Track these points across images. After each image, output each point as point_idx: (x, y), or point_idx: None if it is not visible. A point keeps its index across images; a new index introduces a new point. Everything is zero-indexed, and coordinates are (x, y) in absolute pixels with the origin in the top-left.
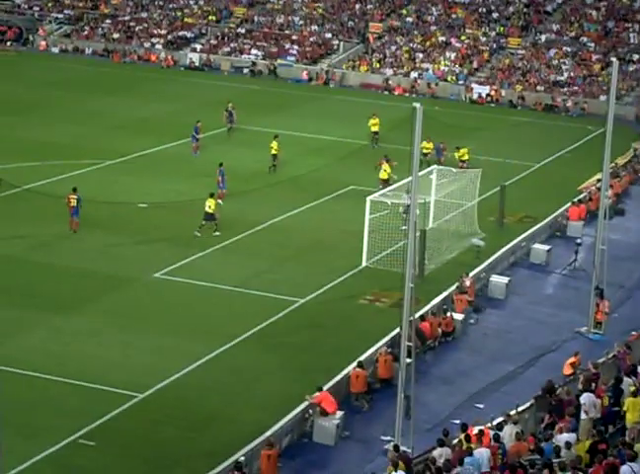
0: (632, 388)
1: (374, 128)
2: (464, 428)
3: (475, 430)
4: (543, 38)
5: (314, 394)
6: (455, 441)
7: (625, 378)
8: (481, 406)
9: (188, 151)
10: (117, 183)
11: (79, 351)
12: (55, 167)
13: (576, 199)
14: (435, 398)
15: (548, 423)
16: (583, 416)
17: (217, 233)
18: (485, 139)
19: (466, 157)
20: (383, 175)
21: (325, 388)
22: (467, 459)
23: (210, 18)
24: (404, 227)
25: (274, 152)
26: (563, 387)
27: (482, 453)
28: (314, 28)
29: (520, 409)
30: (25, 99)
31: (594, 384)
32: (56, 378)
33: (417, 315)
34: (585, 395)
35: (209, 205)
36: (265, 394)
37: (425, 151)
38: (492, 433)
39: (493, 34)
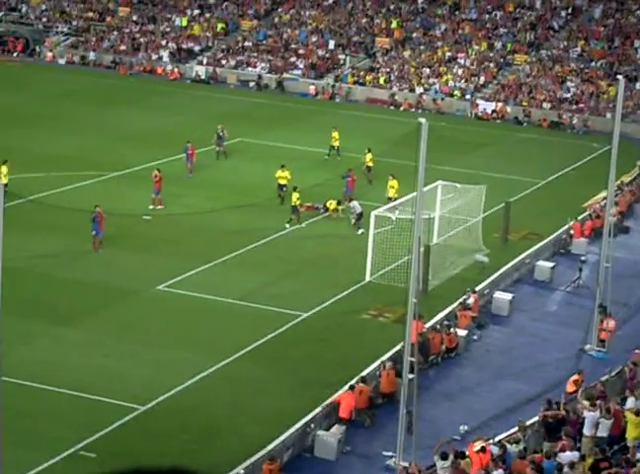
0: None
1: (334, 142)
2: (444, 456)
3: (477, 446)
4: (550, 54)
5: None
6: (451, 461)
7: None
8: (465, 428)
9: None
10: (121, 194)
11: (81, 362)
12: (60, 178)
13: (580, 217)
14: (437, 414)
15: (546, 440)
16: (585, 433)
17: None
18: (490, 155)
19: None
20: (390, 192)
21: (327, 402)
22: None
23: (218, 30)
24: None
25: (281, 181)
26: (566, 405)
27: None
28: (321, 40)
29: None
30: (31, 110)
31: (599, 402)
32: (58, 390)
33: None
34: (588, 414)
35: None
36: (267, 408)
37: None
38: (493, 448)
39: (500, 49)
